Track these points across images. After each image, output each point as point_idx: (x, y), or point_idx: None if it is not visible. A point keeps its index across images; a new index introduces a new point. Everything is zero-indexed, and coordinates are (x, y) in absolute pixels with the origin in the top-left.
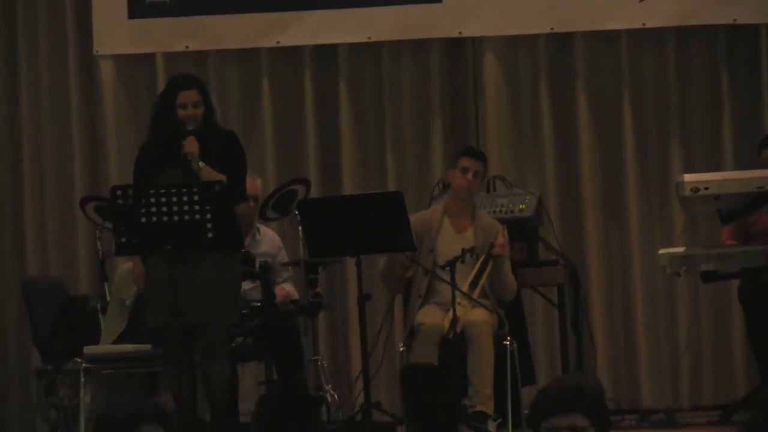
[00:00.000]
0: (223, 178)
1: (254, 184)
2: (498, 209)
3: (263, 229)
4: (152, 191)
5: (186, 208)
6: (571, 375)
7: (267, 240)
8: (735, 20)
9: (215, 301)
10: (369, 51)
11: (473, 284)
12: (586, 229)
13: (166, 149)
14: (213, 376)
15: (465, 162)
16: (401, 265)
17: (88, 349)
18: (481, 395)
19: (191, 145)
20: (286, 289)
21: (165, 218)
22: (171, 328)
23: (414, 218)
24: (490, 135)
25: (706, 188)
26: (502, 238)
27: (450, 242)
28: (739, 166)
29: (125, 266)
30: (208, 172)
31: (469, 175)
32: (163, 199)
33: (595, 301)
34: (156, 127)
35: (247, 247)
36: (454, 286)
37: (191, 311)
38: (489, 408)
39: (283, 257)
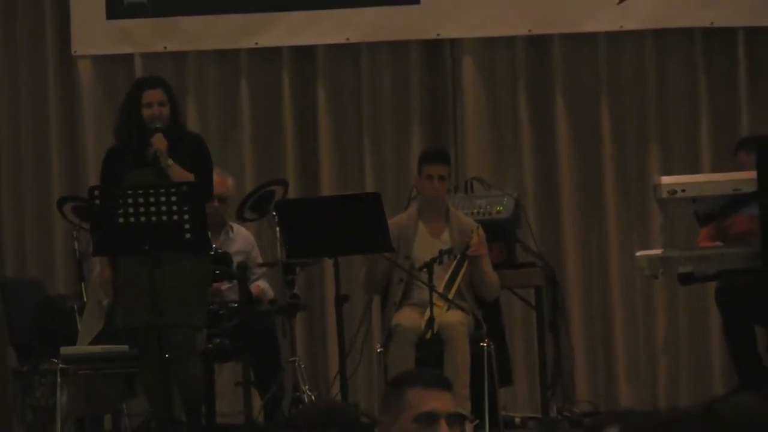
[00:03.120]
0: (191, 176)
1: (224, 184)
2: (476, 211)
3: (236, 227)
4: (129, 192)
5: (164, 208)
6: (324, 398)
7: (240, 238)
8: (712, 23)
9: (189, 302)
10: (347, 52)
11: (448, 285)
12: (564, 231)
13: (133, 149)
14: (185, 376)
15: (428, 169)
16: (381, 269)
17: (65, 350)
18: (458, 396)
19: (159, 141)
20: (261, 286)
21: (143, 218)
22: (147, 328)
23: (389, 224)
24: (468, 136)
25: (683, 190)
26: (477, 237)
27: (426, 247)
28: (716, 167)
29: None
30: (177, 170)
31: (435, 182)
32: (141, 200)
33: (572, 302)
34: (122, 127)
35: (220, 245)
36: (431, 287)
37: (167, 312)
38: (466, 409)
39: (257, 254)
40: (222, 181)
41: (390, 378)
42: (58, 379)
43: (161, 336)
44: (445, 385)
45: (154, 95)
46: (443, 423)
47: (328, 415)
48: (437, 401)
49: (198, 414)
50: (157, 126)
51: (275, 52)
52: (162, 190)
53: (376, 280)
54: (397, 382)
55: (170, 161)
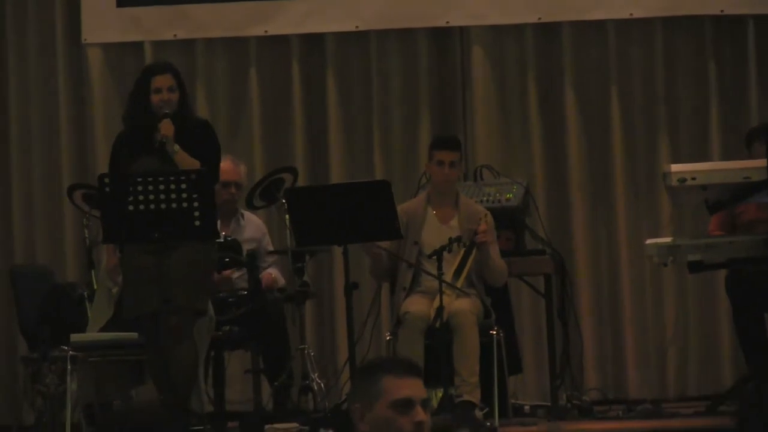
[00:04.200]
0: (197, 163)
1: (237, 171)
2: (485, 198)
3: (247, 214)
4: (139, 179)
5: (173, 196)
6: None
7: (251, 226)
8: (722, 11)
9: (193, 287)
10: (356, 40)
11: (457, 273)
12: (573, 219)
13: (141, 135)
14: (179, 359)
15: (439, 155)
16: (385, 260)
17: (74, 337)
18: (467, 384)
19: (167, 127)
20: (272, 274)
21: (152, 206)
22: (154, 316)
23: (399, 209)
24: (477, 124)
25: (693, 178)
26: (485, 224)
27: (435, 234)
28: (725, 156)
29: None
30: (182, 156)
31: (446, 168)
32: (150, 187)
33: (581, 290)
34: (131, 113)
35: (231, 233)
36: (439, 277)
37: (175, 298)
38: (475, 397)
39: (268, 242)
40: (235, 168)
41: (360, 365)
42: (68, 367)
43: (160, 321)
44: (417, 371)
45: (163, 81)
46: (419, 408)
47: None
48: (411, 388)
49: (186, 399)
50: (166, 112)
51: (284, 40)
52: (172, 178)
53: (382, 269)
54: (370, 370)
55: (177, 147)
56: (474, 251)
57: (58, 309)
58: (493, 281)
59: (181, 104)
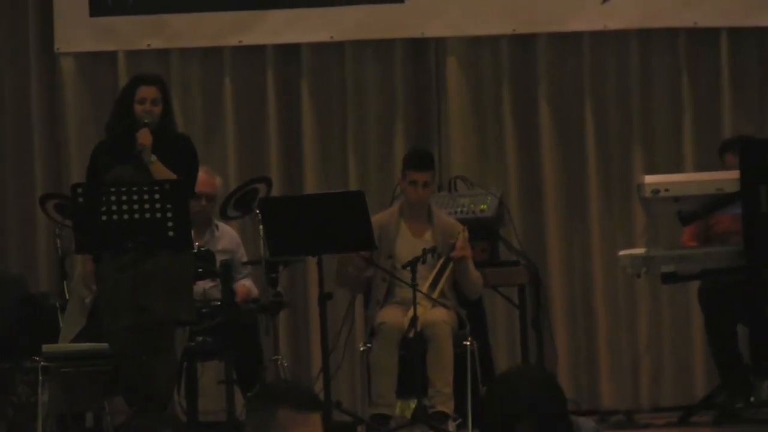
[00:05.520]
0: (172, 175)
1: (212, 183)
2: (459, 209)
3: (222, 226)
4: (113, 189)
5: (147, 206)
6: None
7: (226, 237)
8: (695, 23)
9: (175, 298)
10: (332, 50)
11: (433, 285)
12: (547, 230)
13: (121, 143)
14: (159, 371)
15: (413, 176)
16: (354, 264)
17: (46, 347)
18: (441, 395)
19: (144, 136)
20: (246, 285)
21: (126, 216)
22: (132, 328)
23: (372, 220)
24: (452, 135)
25: (667, 190)
26: (462, 240)
27: (409, 247)
28: (699, 167)
29: None
30: (158, 167)
31: (419, 189)
32: (124, 197)
33: (556, 301)
34: (113, 121)
35: (205, 243)
36: (413, 286)
37: (153, 308)
38: (449, 408)
39: (242, 254)
40: (210, 180)
41: (260, 389)
42: (40, 377)
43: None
44: (316, 406)
45: (148, 92)
46: None
47: None
48: (306, 426)
49: (164, 409)
50: (146, 122)
51: (259, 50)
52: (145, 188)
53: (350, 277)
54: (269, 397)
55: (153, 158)
56: (451, 265)
57: (30, 319)
58: (468, 294)
59: (164, 118)
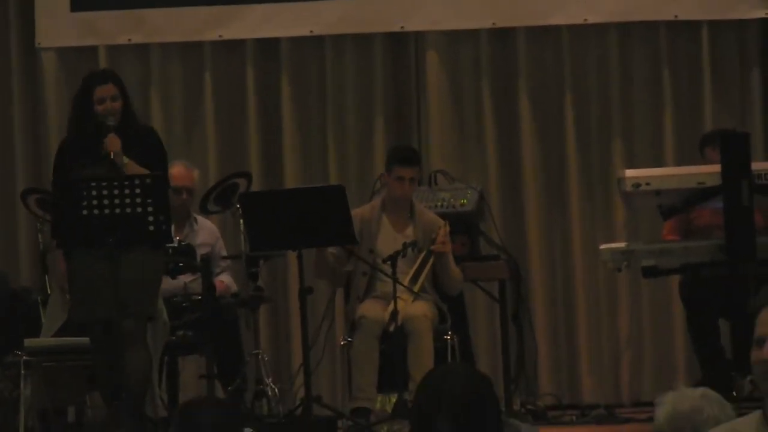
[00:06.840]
0: (146, 172)
1: (190, 176)
2: (439, 203)
3: (200, 219)
4: (93, 184)
5: (128, 200)
6: None
7: (205, 230)
8: (676, 16)
9: (142, 292)
10: (311, 45)
11: (413, 280)
12: (527, 224)
13: (88, 146)
14: (132, 365)
15: (399, 171)
16: (332, 255)
17: (28, 342)
18: None
19: (114, 143)
20: (225, 281)
21: (106, 211)
22: (101, 322)
23: (352, 214)
24: (432, 129)
25: (647, 184)
26: (443, 234)
27: (390, 242)
28: (680, 161)
29: None
30: (132, 167)
31: (406, 184)
32: (105, 192)
33: (536, 296)
34: (75, 121)
35: (184, 237)
36: (394, 279)
37: (131, 304)
38: None
39: (221, 247)
40: (188, 174)
41: (182, 404)
42: (22, 372)
43: (114, 327)
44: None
45: (105, 90)
46: None
47: None
48: None
49: (140, 405)
50: (110, 123)
51: (239, 44)
52: (126, 182)
53: (328, 269)
54: (188, 412)
55: (126, 159)
56: (431, 259)
57: (12, 314)
58: (448, 289)
59: (125, 112)
